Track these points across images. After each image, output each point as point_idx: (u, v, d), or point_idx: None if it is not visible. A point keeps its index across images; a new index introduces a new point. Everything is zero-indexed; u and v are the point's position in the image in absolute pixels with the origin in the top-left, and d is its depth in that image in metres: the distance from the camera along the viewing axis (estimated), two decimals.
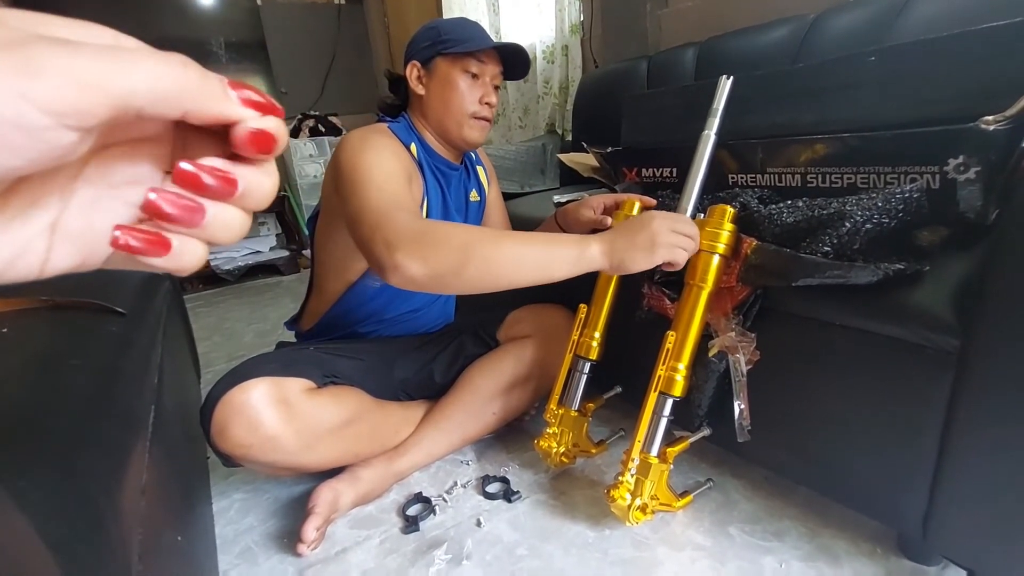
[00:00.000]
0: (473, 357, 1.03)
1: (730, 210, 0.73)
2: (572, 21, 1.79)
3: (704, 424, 0.83)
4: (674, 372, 0.73)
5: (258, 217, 2.88)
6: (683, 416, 0.84)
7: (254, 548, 0.84)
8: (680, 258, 0.70)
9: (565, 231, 0.99)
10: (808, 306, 0.69)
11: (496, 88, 0.96)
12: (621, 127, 1.06)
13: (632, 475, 0.73)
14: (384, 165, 0.81)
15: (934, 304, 0.57)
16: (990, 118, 0.58)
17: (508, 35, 2.16)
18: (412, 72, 0.93)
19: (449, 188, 0.99)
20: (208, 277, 2.73)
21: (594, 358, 0.88)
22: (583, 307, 0.89)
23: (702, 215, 0.77)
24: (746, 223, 0.73)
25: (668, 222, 0.70)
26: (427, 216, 0.93)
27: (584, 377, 0.89)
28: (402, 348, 1.02)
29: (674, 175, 0.96)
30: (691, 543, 0.76)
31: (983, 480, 0.56)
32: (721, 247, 0.72)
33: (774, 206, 0.71)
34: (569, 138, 1.78)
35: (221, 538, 0.86)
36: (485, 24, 2.30)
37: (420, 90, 0.93)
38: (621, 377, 0.98)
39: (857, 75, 0.71)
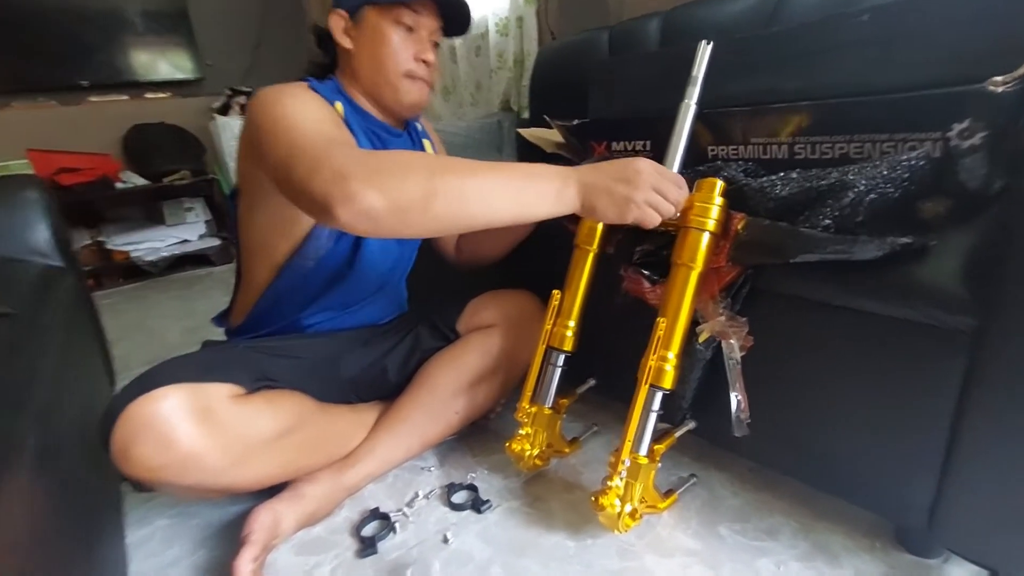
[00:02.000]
0: (431, 351, 0.93)
1: (720, 183, 0.66)
2: None
3: (688, 416, 0.77)
4: (664, 362, 0.66)
5: (184, 202, 2.63)
6: (668, 410, 0.78)
7: None
8: (651, 220, 0.64)
9: None
10: (803, 286, 0.63)
11: (435, 45, 0.85)
12: (588, 97, 0.98)
13: (622, 479, 0.65)
14: (310, 111, 0.70)
15: (945, 281, 0.53)
16: (999, 79, 0.53)
17: None
18: (337, 23, 0.82)
19: None
20: (128, 269, 2.47)
21: (569, 349, 0.80)
22: (556, 294, 0.80)
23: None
24: (735, 198, 0.67)
25: (653, 177, 0.63)
26: None
27: (558, 371, 0.81)
28: (349, 343, 0.91)
29: (648, 148, 0.88)
30: (681, 548, 0.69)
31: (999, 468, 0.52)
32: (711, 224, 0.65)
33: (765, 179, 0.65)
34: (526, 115, 1.68)
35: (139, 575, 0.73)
36: None
37: (347, 43, 0.82)
38: (595, 368, 0.90)
39: (848, 37, 0.66)
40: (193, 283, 2.37)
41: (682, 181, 0.67)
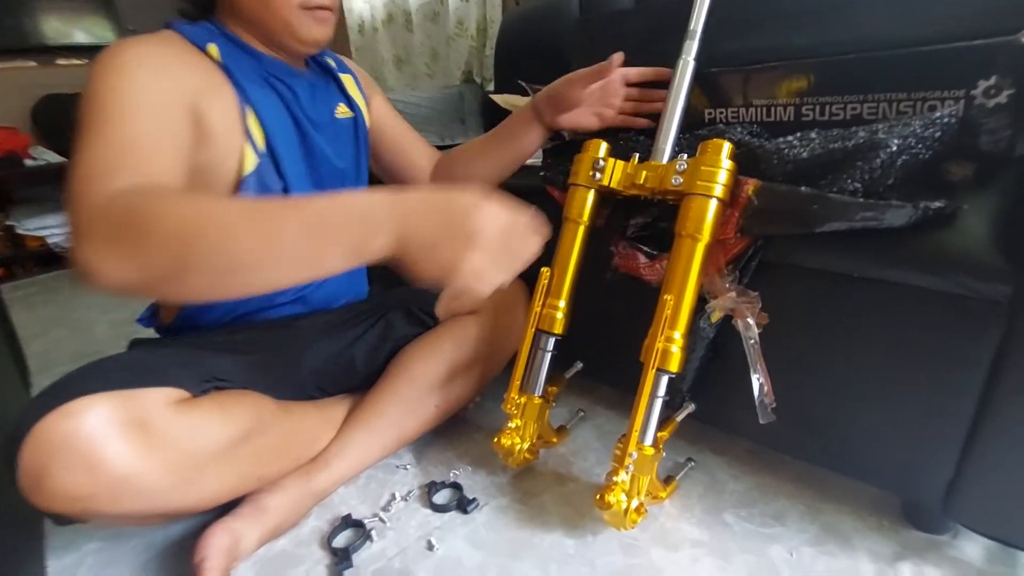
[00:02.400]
0: (405, 339, 0.84)
1: (728, 145, 0.60)
2: None
3: (687, 398, 0.72)
4: (671, 343, 0.60)
5: None
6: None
7: None
8: (481, 292, 0.48)
9: (551, 126, 0.80)
10: (819, 257, 0.59)
11: None
12: (570, 59, 0.90)
13: (629, 473, 0.60)
14: (131, 94, 0.55)
15: (978, 247, 0.49)
16: None
17: None
18: None
19: (297, 99, 0.73)
20: (44, 257, 2.21)
21: (560, 332, 0.73)
22: (545, 271, 0.73)
23: (685, 156, 0.63)
24: (746, 161, 0.61)
25: (494, 244, 0.46)
26: (269, 146, 0.68)
27: (548, 356, 0.74)
28: (309, 331, 0.79)
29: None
30: (688, 539, 0.65)
31: None
32: (719, 189, 0.59)
33: (782, 140, 0.59)
34: (490, 87, 1.59)
35: None
36: None
37: None
38: (581, 350, 0.84)
39: None
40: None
41: (534, 243, 0.50)
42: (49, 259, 2.22)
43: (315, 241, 0.44)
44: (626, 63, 0.76)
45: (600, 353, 0.84)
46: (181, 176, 0.56)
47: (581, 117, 0.78)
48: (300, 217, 0.44)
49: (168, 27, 0.66)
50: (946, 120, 0.51)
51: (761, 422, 0.59)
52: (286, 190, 0.70)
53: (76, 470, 0.50)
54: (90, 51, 2.49)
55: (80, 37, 2.49)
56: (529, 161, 0.87)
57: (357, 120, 0.83)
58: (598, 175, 0.70)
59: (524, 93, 1.23)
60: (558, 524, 0.69)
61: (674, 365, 0.60)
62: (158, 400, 0.58)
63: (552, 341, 0.74)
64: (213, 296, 0.47)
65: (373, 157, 0.91)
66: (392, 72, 2.14)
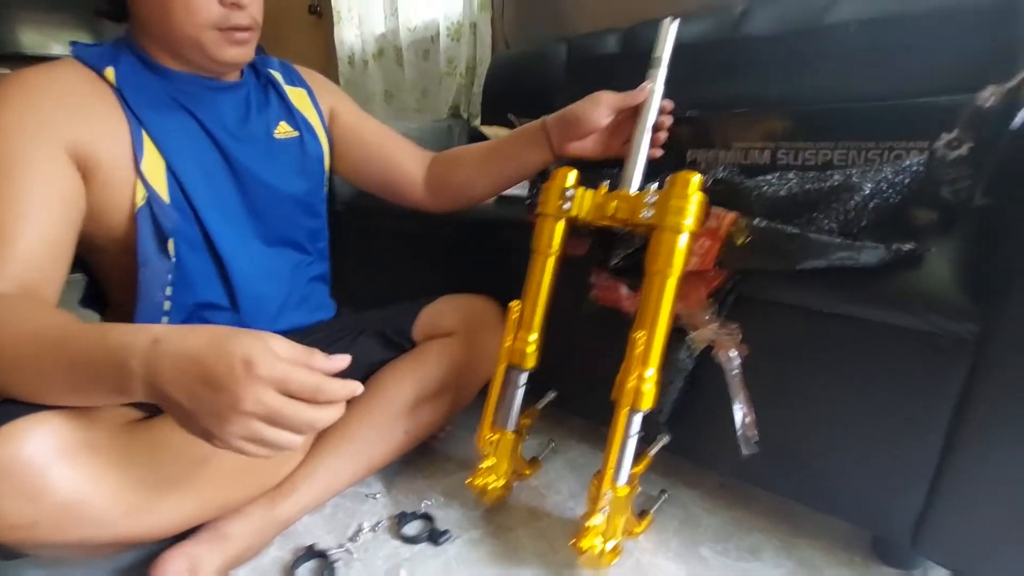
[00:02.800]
0: (380, 363, 0.82)
1: (698, 176, 0.59)
2: None
3: (664, 430, 0.72)
4: (643, 381, 0.58)
5: None
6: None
7: None
8: (254, 453, 0.42)
9: (558, 153, 0.75)
10: (795, 293, 0.61)
11: None
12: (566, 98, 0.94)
13: (605, 515, 0.59)
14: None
15: (945, 288, 0.52)
16: (989, 90, 0.54)
17: (407, 9, 1.95)
18: None
19: (219, 118, 0.67)
20: None
21: (532, 367, 0.71)
22: (515, 305, 0.70)
23: (654, 185, 0.63)
24: (726, 197, 0.64)
25: (260, 406, 0.39)
26: (172, 173, 0.62)
27: (520, 391, 0.72)
28: None
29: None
30: (664, 574, 0.64)
31: (994, 479, 0.51)
32: (689, 223, 0.58)
33: (761, 178, 0.63)
34: (477, 122, 1.63)
35: None
36: None
37: None
38: (554, 380, 0.82)
39: (834, 45, 0.67)
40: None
41: (326, 386, 0.41)
42: None
43: (81, 382, 0.45)
44: None
45: (574, 384, 0.83)
46: (51, 247, 0.55)
47: (592, 145, 0.73)
48: (66, 357, 0.45)
49: (72, 51, 0.62)
50: (915, 168, 0.55)
51: (744, 453, 0.59)
52: (198, 219, 0.65)
53: (16, 497, 0.46)
54: None
55: (57, 49, 2.46)
56: (513, 190, 0.88)
57: (303, 139, 0.77)
58: (567, 205, 0.67)
59: (512, 126, 1.26)
60: (533, 559, 0.67)
61: (647, 403, 0.59)
62: (108, 420, 0.55)
63: (524, 376, 0.72)
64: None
65: (353, 168, 0.86)
66: (381, 105, 2.17)
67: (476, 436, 0.72)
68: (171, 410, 0.42)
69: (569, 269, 0.73)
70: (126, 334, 0.44)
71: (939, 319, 0.51)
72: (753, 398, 0.63)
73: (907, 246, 0.52)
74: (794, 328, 0.62)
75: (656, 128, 0.70)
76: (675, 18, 0.68)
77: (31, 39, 2.43)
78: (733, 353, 0.60)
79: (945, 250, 0.56)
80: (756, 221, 0.59)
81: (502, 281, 0.78)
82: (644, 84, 0.69)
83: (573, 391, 0.83)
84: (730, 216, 0.61)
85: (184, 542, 0.60)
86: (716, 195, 0.66)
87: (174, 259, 0.63)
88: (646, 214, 0.61)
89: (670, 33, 0.68)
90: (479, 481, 0.71)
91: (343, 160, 0.85)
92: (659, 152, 0.72)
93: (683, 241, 0.59)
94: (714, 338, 0.62)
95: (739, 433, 0.59)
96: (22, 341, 0.46)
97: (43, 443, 0.48)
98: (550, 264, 0.70)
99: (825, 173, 0.59)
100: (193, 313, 0.68)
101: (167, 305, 0.65)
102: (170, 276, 0.64)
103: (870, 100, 0.62)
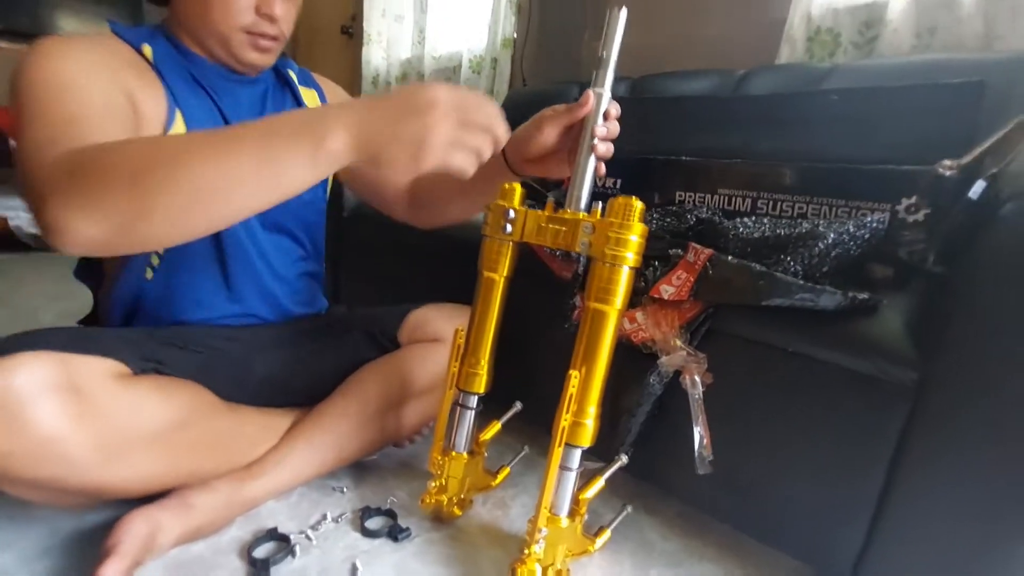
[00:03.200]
0: (363, 361, 0.84)
1: (640, 205, 0.56)
2: (505, 35, 1.74)
3: (629, 452, 0.74)
4: (581, 418, 0.58)
5: None
6: (601, 443, 0.75)
7: None
8: (463, 164, 0.49)
9: (516, 172, 0.71)
10: (761, 331, 0.65)
11: None
12: None
13: (541, 547, 0.60)
14: (73, 82, 0.55)
15: (893, 337, 0.56)
16: (947, 163, 0.60)
17: (434, 39, 2.06)
18: None
19: (236, 105, 0.73)
20: (1, 239, 2.13)
21: (482, 391, 0.70)
22: (460, 331, 0.69)
23: (600, 204, 0.59)
24: (707, 235, 0.69)
25: (454, 108, 0.46)
26: None
27: (472, 413, 0.71)
28: (261, 340, 0.79)
29: (616, 187, 0.91)
30: None
31: (929, 518, 0.54)
32: (630, 258, 0.55)
33: (738, 220, 0.67)
34: None
35: None
36: (410, 23, 2.18)
37: None
38: (522, 390, 0.81)
39: (817, 110, 0.73)
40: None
41: (493, 106, 0.50)
42: (5, 242, 2.14)
43: (271, 152, 0.44)
44: (617, 150, 0.81)
45: (542, 395, 0.83)
46: None
47: (553, 165, 0.68)
48: (252, 132, 0.46)
49: (110, 26, 0.68)
50: (874, 224, 0.60)
51: (699, 473, 0.62)
52: None
53: (1, 424, 0.49)
54: None
55: (92, 31, 2.55)
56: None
57: None
58: (508, 227, 0.63)
59: None
60: (488, 564, 0.69)
61: (586, 440, 0.59)
62: (97, 369, 0.57)
63: (475, 399, 0.71)
64: (180, 236, 0.46)
65: (351, 176, 0.91)
66: None
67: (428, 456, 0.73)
68: (379, 144, 0.46)
69: (553, 290, 0.77)
70: (310, 108, 0.48)
71: (884, 364, 0.55)
72: (714, 428, 0.66)
73: (862, 295, 0.57)
74: (756, 363, 0.65)
75: (605, 137, 0.62)
76: (622, 6, 0.59)
77: (69, 23, 2.53)
78: (697, 378, 0.63)
79: (898, 304, 0.60)
80: (729, 258, 0.63)
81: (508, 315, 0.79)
82: (588, 91, 0.62)
83: (540, 402, 0.82)
84: (707, 252, 0.66)
85: (149, 505, 0.61)
86: (698, 233, 0.72)
87: None
88: (583, 245, 0.57)
89: (619, 27, 0.59)
90: (428, 500, 0.72)
91: (341, 176, 0.91)
92: (603, 168, 0.64)
93: (624, 275, 0.55)
94: (683, 364, 0.66)
95: (696, 453, 0.62)
96: (183, 143, 0.46)
97: (32, 378, 0.51)
98: (499, 287, 0.66)
99: (795, 221, 0.63)
100: (182, 279, 0.72)
101: (155, 260, 0.70)
102: None
103: (844, 162, 0.67)
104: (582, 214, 0.60)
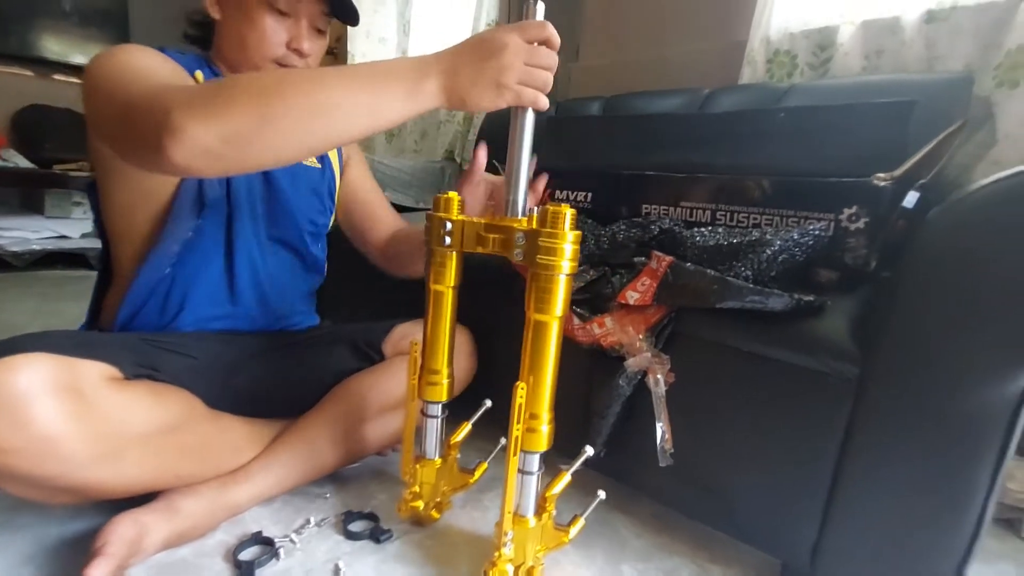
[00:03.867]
0: (348, 371, 0.87)
1: (572, 212, 0.57)
2: None
3: (603, 453, 0.78)
4: (534, 426, 0.60)
5: (74, 195, 2.36)
6: (575, 445, 0.78)
7: None
8: (533, 101, 0.58)
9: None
10: (718, 332, 0.69)
11: (319, 32, 0.78)
12: (542, 148, 1.05)
13: (509, 549, 0.63)
14: (154, 62, 0.64)
15: (837, 336, 0.60)
16: (881, 175, 0.65)
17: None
18: None
19: None
20: None
21: (444, 399, 0.72)
22: (415, 344, 0.71)
23: (535, 210, 0.59)
24: (668, 244, 0.73)
25: (522, 47, 0.55)
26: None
27: (437, 421, 0.73)
28: (250, 349, 0.82)
29: (588, 200, 0.95)
30: None
31: (873, 507, 0.58)
32: (565, 266, 0.56)
33: (696, 229, 0.72)
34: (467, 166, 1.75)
35: None
36: (392, 44, 2.25)
37: (215, 13, 0.76)
38: (491, 387, 0.81)
39: (768, 127, 0.78)
40: (64, 283, 2.08)
41: (548, 28, 0.57)
42: None
43: (379, 85, 0.54)
44: (581, 161, 0.89)
45: (510, 396, 0.85)
46: None
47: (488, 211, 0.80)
48: (366, 69, 0.55)
49: (161, 51, 0.73)
50: (817, 232, 0.65)
51: (661, 465, 0.66)
52: (229, 201, 0.77)
53: (4, 422, 0.52)
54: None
55: (78, 58, 2.58)
56: None
57: (324, 173, 0.91)
58: (447, 239, 0.64)
59: (498, 172, 1.37)
60: (466, 562, 0.71)
61: (541, 445, 0.60)
62: (94, 372, 0.61)
63: (438, 407, 0.72)
64: (287, 152, 0.53)
65: (343, 211, 0.99)
66: (382, 144, 2.31)
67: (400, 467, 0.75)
68: (465, 84, 0.55)
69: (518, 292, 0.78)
70: (405, 59, 0.58)
71: (828, 360, 0.59)
72: (677, 426, 0.70)
73: (807, 298, 0.61)
74: (715, 362, 0.69)
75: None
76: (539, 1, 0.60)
77: (58, 46, 2.55)
78: (660, 377, 0.67)
79: (843, 305, 0.65)
80: (688, 265, 0.68)
81: (475, 313, 0.83)
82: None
83: (509, 399, 0.84)
84: (668, 259, 0.70)
85: (136, 509, 0.64)
86: (660, 242, 0.76)
87: (200, 220, 0.75)
88: (518, 255, 0.59)
89: (536, 16, 0.59)
90: (406, 507, 0.74)
91: (338, 199, 0.98)
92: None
93: (561, 283, 0.57)
94: (648, 365, 0.69)
95: (658, 446, 0.66)
96: (306, 72, 0.58)
97: (35, 378, 0.54)
98: (448, 297, 0.68)
99: (746, 230, 0.68)
100: (193, 275, 0.77)
101: (174, 252, 0.75)
102: (191, 233, 0.75)
103: (794, 175, 0.73)
104: (517, 222, 0.61)
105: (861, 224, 0.66)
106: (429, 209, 0.73)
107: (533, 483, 0.63)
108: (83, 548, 0.61)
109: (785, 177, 0.72)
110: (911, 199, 0.67)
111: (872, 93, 0.99)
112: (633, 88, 1.42)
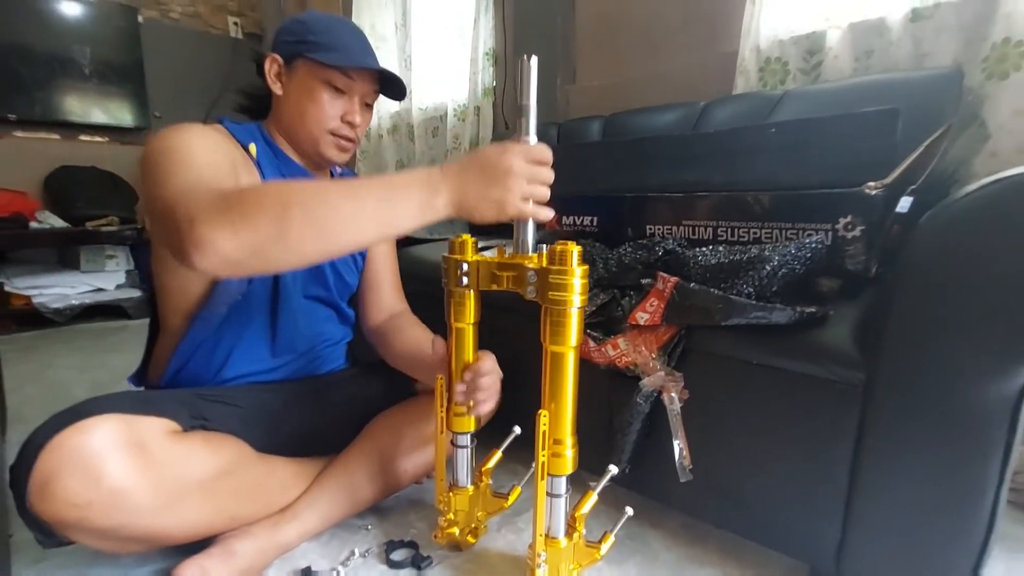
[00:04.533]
0: (380, 410, 0.92)
1: (577, 249, 0.62)
2: (485, 85, 1.87)
3: (627, 469, 0.81)
4: (559, 451, 0.64)
5: (106, 249, 2.48)
6: (600, 463, 0.81)
7: None
8: (535, 215, 0.64)
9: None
10: (728, 346, 0.72)
11: (368, 106, 0.88)
12: None
13: (544, 570, 0.66)
14: (199, 150, 0.67)
15: (841, 343, 0.63)
16: (872, 184, 0.68)
17: (420, 91, 2.19)
18: (271, 66, 0.83)
19: None
20: (26, 317, 2.24)
21: (472, 429, 0.77)
22: (440, 380, 0.75)
23: (544, 248, 0.64)
24: (672, 264, 0.77)
25: (525, 170, 0.61)
26: None
27: (468, 450, 0.77)
28: (291, 395, 0.88)
29: (594, 224, 0.99)
30: None
31: (891, 506, 0.60)
32: (576, 299, 0.61)
33: (698, 249, 0.75)
34: None
35: None
36: (393, 45, 2.30)
37: (277, 89, 0.84)
38: (518, 413, 0.81)
39: (760, 142, 0.81)
40: (105, 335, 2.18)
41: (547, 152, 0.64)
42: (30, 319, 2.25)
43: (391, 201, 0.58)
44: (585, 187, 0.93)
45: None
46: None
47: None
48: (378, 183, 0.60)
49: (219, 122, 0.82)
50: (814, 245, 0.68)
51: (680, 481, 0.68)
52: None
53: (81, 477, 0.58)
54: (113, 130, 2.73)
55: (100, 118, 2.72)
56: None
57: None
58: (464, 280, 0.69)
59: None
60: None
61: (564, 469, 0.65)
62: (155, 428, 0.67)
63: (467, 437, 0.77)
64: (301, 260, 0.57)
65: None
66: (392, 171, 2.39)
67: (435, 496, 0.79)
68: (471, 200, 0.60)
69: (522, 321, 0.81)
70: (417, 169, 0.62)
71: (834, 368, 0.62)
72: (697, 439, 0.73)
73: (810, 309, 0.64)
74: (727, 376, 0.72)
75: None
76: (532, 56, 0.64)
77: (78, 108, 2.69)
78: (675, 395, 0.70)
79: (848, 312, 0.67)
80: (692, 285, 0.71)
81: (499, 339, 0.85)
82: (435, 347, 0.76)
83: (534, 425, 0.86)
84: (673, 280, 0.74)
85: (197, 555, 0.69)
86: (664, 263, 0.80)
87: (250, 285, 0.80)
88: (530, 292, 0.63)
89: (532, 75, 0.64)
90: (442, 535, 0.79)
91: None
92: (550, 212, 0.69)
93: (574, 315, 0.61)
94: (662, 384, 0.73)
95: (677, 463, 0.69)
96: (323, 185, 0.59)
97: (106, 437, 0.60)
98: (468, 334, 0.73)
99: (746, 247, 0.71)
100: (238, 329, 0.83)
101: (222, 314, 0.80)
102: (240, 296, 0.80)
103: (788, 188, 0.75)
104: (528, 259, 0.65)
105: (857, 232, 0.69)
106: (442, 238, 0.78)
107: (561, 505, 0.66)
108: None
109: (780, 191, 0.75)
110: (904, 204, 0.70)
111: (865, 94, 1.01)
112: (631, 105, 1.46)
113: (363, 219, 0.57)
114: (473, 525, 0.81)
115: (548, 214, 0.65)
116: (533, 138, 0.65)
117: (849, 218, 0.69)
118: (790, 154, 0.78)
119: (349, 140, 0.86)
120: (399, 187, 0.59)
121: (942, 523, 0.58)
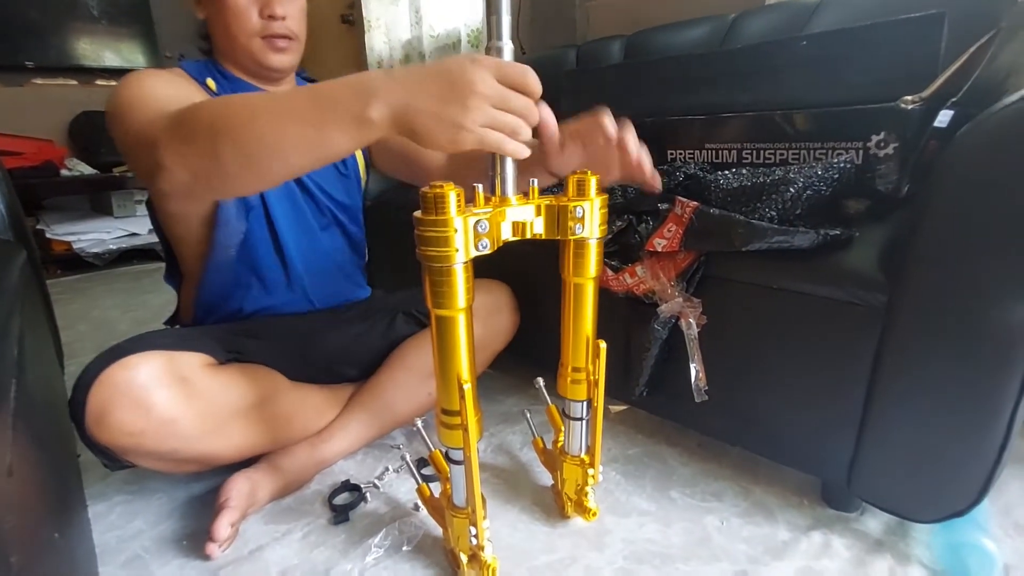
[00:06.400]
0: (404, 336, 0.96)
1: (595, 179, 0.58)
2: None
3: (644, 393, 0.83)
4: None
5: (135, 195, 2.53)
6: (621, 387, 0.84)
7: (144, 555, 0.71)
8: (499, 146, 0.48)
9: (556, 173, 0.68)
10: (748, 272, 0.71)
11: None
12: (560, 101, 1.06)
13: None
14: (158, 88, 0.66)
15: (865, 266, 0.62)
16: (908, 98, 0.64)
17: (430, 16, 2.09)
18: None
19: None
20: (68, 261, 2.35)
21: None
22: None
23: (534, 183, 0.58)
24: (693, 189, 0.75)
25: (491, 89, 0.46)
26: None
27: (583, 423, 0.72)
28: (317, 324, 0.91)
29: None
30: (636, 509, 0.76)
31: (904, 424, 0.61)
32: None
33: (719, 172, 0.73)
34: None
35: (101, 546, 0.72)
36: (405, 4, 2.22)
37: (200, 14, 0.81)
38: (544, 365, 0.83)
39: (789, 58, 0.77)
40: (142, 277, 2.27)
41: (527, 74, 0.48)
42: (73, 263, 2.35)
43: (319, 114, 0.48)
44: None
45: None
46: None
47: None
48: (305, 98, 0.50)
49: (180, 66, 0.82)
50: (842, 166, 0.65)
51: (696, 401, 0.71)
52: (264, 201, 0.83)
53: (131, 410, 0.63)
54: (123, 74, 2.70)
55: (113, 61, 2.70)
56: None
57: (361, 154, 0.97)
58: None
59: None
60: (527, 492, 0.80)
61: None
62: (194, 361, 0.71)
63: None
64: (247, 187, 0.56)
65: (388, 168, 1.00)
66: None
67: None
68: (419, 117, 0.46)
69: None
70: (359, 74, 0.49)
71: (856, 291, 0.61)
72: (715, 362, 0.74)
73: (834, 232, 0.63)
74: (747, 301, 0.72)
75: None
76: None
77: (93, 52, 2.67)
78: (692, 320, 0.71)
79: (874, 234, 0.65)
80: (712, 210, 0.70)
81: (515, 267, 0.86)
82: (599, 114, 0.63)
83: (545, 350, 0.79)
84: (692, 205, 0.72)
85: (246, 469, 0.75)
86: (685, 188, 0.78)
87: (247, 223, 0.81)
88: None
89: (501, 8, 0.51)
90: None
91: (378, 159, 1.01)
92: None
93: (593, 247, 0.59)
94: (680, 310, 0.73)
95: (693, 385, 0.71)
96: (251, 99, 0.53)
97: (150, 372, 0.64)
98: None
99: (770, 169, 0.69)
100: (250, 266, 0.85)
101: (231, 256, 0.82)
102: (241, 235, 0.81)
103: (819, 105, 0.71)
104: (520, 200, 0.57)
105: (890, 150, 0.66)
106: None
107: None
108: (209, 503, 0.74)
109: (810, 109, 0.72)
110: (944, 118, 0.66)
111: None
112: (656, 20, 1.37)
113: (288, 148, 0.49)
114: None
115: (521, 151, 0.49)
116: (507, 45, 0.52)
117: (882, 135, 0.66)
118: (822, 69, 0.74)
119: (283, 37, 0.80)
120: (325, 100, 0.48)
121: (956, 441, 0.59)
